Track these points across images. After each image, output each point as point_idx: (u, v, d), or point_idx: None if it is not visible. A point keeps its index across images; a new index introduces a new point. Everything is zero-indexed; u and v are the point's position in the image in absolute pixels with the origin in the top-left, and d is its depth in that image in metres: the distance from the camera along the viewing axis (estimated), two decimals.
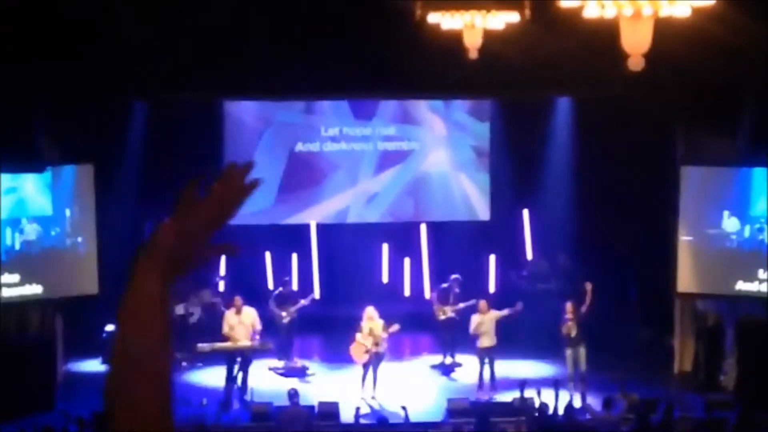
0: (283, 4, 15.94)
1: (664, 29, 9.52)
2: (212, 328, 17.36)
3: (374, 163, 21.32)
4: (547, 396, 15.01)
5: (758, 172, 16.67)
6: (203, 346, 16.73)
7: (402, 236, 20.89)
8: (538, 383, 15.84)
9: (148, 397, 1.86)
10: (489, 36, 13.12)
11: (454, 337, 18.05)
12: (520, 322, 17.36)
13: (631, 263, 19.42)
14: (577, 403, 15.94)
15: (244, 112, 21.01)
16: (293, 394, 14.96)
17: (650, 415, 13.98)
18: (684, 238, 17.24)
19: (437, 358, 18.36)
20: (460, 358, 18.04)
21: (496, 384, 16.68)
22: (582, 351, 16.56)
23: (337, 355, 17.73)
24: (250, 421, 15.28)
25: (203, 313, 18.77)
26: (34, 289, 16.74)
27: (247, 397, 16.30)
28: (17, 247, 16.55)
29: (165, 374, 1.89)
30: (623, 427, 14.21)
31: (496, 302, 17.45)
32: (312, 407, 15.19)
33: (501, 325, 16.86)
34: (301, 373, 17.79)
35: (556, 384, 15.20)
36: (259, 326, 16.84)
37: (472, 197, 21.44)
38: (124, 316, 1.92)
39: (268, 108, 21.01)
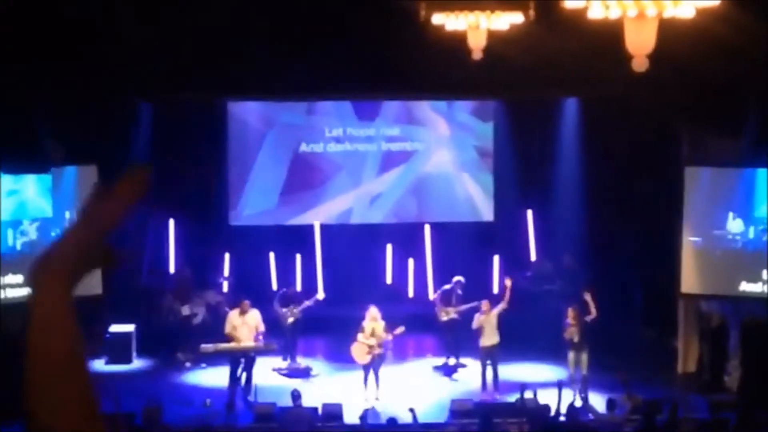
0: (286, 4, 15.94)
1: (668, 30, 9.51)
2: (216, 328, 17.35)
3: (377, 163, 21.32)
4: (550, 397, 14.99)
5: (762, 173, 16.65)
6: (207, 347, 16.72)
7: (406, 237, 20.88)
8: (541, 385, 15.84)
9: (70, 409, 1.83)
10: (493, 37, 13.12)
11: (456, 338, 18.04)
12: (523, 322, 17.35)
13: (635, 264, 19.41)
14: (578, 404, 15.94)
15: (247, 114, 21.02)
16: (297, 395, 14.94)
17: (655, 416, 13.96)
18: (690, 239, 17.22)
19: (441, 360, 18.35)
20: (463, 359, 18.02)
21: (499, 384, 16.65)
22: (584, 355, 16.52)
23: (340, 356, 17.72)
24: (253, 421, 15.27)
25: (207, 314, 18.77)
26: None
27: (251, 398, 16.30)
28: (19, 247, 16.57)
29: (84, 380, 1.87)
30: (627, 428, 14.19)
31: (498, 303, 17.40)
32: (315, 408, 15.18)
33: (505, 326, 16.82)
34: (304, 373, 17.78)
35: (559, 385, 15.18)
36: (262, 328, 16.83)
37: (475, 198, 21.44)
38: (32, 329, 1.90)
39: (271, 109, 21.02)
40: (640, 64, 9.06)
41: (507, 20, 12.91)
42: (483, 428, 13.87)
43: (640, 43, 8.99)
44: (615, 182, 19.45)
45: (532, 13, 12.95)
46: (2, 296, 16.48)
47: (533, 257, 20.68)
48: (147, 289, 19.49)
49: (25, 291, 16.66)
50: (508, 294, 16.94)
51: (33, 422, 1.87)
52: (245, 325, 16.71)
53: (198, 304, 18.79)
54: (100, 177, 17.25)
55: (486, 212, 21.47)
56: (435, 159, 21.33)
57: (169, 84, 17.11)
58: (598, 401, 15.68)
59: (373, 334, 16.55)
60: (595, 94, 18.04)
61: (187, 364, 18.15)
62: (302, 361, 18.18)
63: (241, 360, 16.65)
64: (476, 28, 12.89)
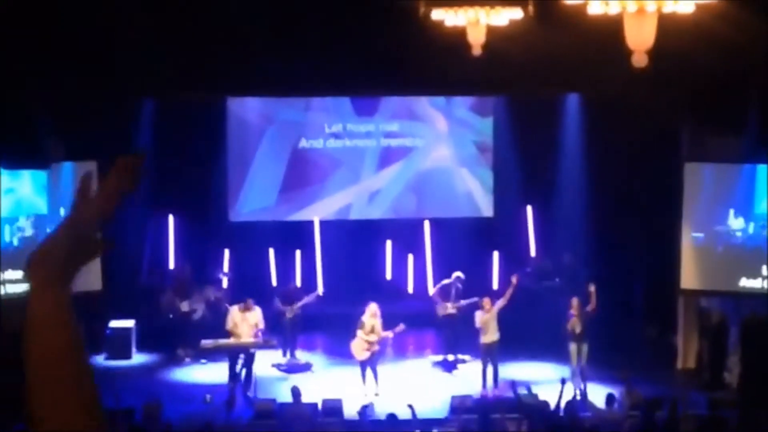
0: (285, 0, 15.92)
1: (668, 26, 9.50)
2: (216, 324, 17.36)
3: (376, 159, 21.32)
4: (550, 393, 15.00)
5: (762, 169, 16.65)
6: (207, 343, 16.73)
7: (405, 233, 20.88)
8: (542, 382, 15.86)
9: (70, 403, 1.83)
10: (493, 33, 13.11)
11: (456, 333, 18.03)
12: (524, 319, 17.34)
13: (635, 260, 19.41)
14: (578, 397, 16.00)
15: (246, 111, 21.02)
16: (296, 391, 14.95)
17: (655, 413, 13.96)
18: (692, 235, 17.21)
19: (440, 356, 18.35)
20: (462, 355, 18.02)
21: (498, 381, 16.66)
22: (585, 347, 16.59)
23: (340, 351, 17.72)
24: (253, 417, 15.27)
25: (207, 310, 18.77)
26: None
27: (251, 394, 16.31)
28: (15, 243, 16.61)
29: (82, 377, 1.85)
30: (626, 425, 14.20)
31: (498, 299, 17.39)
32: (315, 404, 15.19)
33: (505, 323, 16.82)
34: (304, 369, 17.80)
35: (562, 381, 15.22)
36: (262, 325, 16.85)
37: (475, 194, 21.43)
38: (30, 323, 1.91)
39: (270, 106, 21.02)
40: (639, 60, 9.06)
41: (506, 16, 12.90)
42: (482, 424, 13.88)
43: (640, 39, 8.98)
44: (615, 178, 19.44)
45: (531, 9, 12.95)
46: (2, 292, 16.49)
47: (533, 253, 20.68)
48: (147, 285, 19.50)
49: (23, 286, 16.68)
50: (510, 291, 16.93)
51: (34, 417, 1.86)
52: (245, 321, 16.72)
53: (197, 300, 18.79)
54: (100, 173, 17.25)
55: (486, 208, 21.46)
56: (434, 155, 21.33)
57: (170, 80, 17.10)
58: (597, 397, 15.68)
59: (372, 331, 16.56)
60: (595, 90, 18.03)
61: (187, 360, 18.16)
62: (302, 357, 18.19)
63: (241, 356, 16.67)
64: (476, 24, 12.88)
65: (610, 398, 14.73)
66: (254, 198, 21.15)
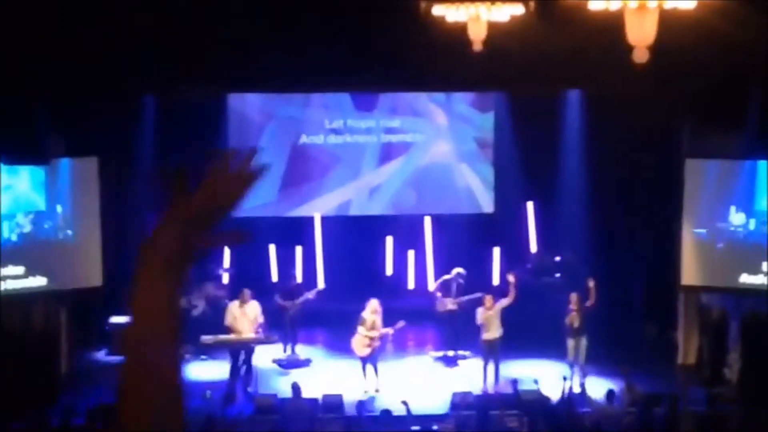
0: None
1: (669, 22, 9.49)
2: (216, 320, 17.36)
3: (377, 155, 21.32)
4: (551, 389, 15.02)
5: (763, 165, 16.65)
6: (207, 339, 16.73)
7: (406, 229, 20.87)
8: (543, 377, 15.87)
9: (157, 397, 1.83)
10: (494, 29, 13.09)
11: (456, 329, 18.03)
12: (524, 315, 17.32)
13: (636, 256, 19.40)
14: (577, 390, 16.04)
15: (246, 107, 21.02)
16: (297, 387, 14.97)
17: (654, 409, 13.97)
18: (695, 231, 17.21)
19: (441, 352, 18.35)
20: (463, 351, 18.01)
21: (500, 378, 16.65)
22: (583, 342, 16.62)
23: (340, 347, 17.73)
24: (254, 413, 15.28)
25: (207, 306, 18.77)
26: (39, 281, 16.79)
27: (251, 390, 16.31)
28: (14, 239, 16.61)
29: (174, 375, 1.86)
30: (625, 420, 14.21)
31: (499, 295, 17.39)
32: (316, 399, 15.20)
33: (505, 320, 16.83)
34: (304, 365, 17.80)
35: (564, 378, 15.29)
36: (261, 319, 16.83)
37: (475, 189, 21.42)
38: (133, 317, 1.91)
39: (270, 102, 21.02)
40: (641, 55, 9.05)
41: (507, 12, 12.89)
42: (482, 420, 13.89)
43: (641, 35, 8.98)
44: (616, 174, 19.44)
45: (532, 4, 12.93)
46: (1, 288, 16.50)
47: (534, 249, 20.66)
48: None
49: (23, 283, 16.69)
50: (513, 290, 16.92)
51: (120, 408, 1.84)
52: (245, 316, 16.72)
53: (198, 297, 18.80)
54: (101, 169, 17.26)
55: (486, 204, 21.45)
56: (434, 150, 21.32)
57: (170, 76, 17.08)
58: (597, 392, 15.70)
59: (373, 327, 16.57)
60: (596, 86, 18.00)
61: (187, 357, 18.14)
62: (302, 352, 18.19)
63: (241, 351, 16.66)
64: (477, 20, 12.87)
65: (610, 394, 14.75)
66: (255, 194, 20.83)
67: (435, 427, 14.01)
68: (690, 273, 17.38)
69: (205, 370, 17.48)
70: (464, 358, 17.98)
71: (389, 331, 16.70)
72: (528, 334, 17.47)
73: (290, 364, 17.80)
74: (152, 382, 1.85)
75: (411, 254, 20.81)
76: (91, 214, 17.18)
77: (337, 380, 16.69)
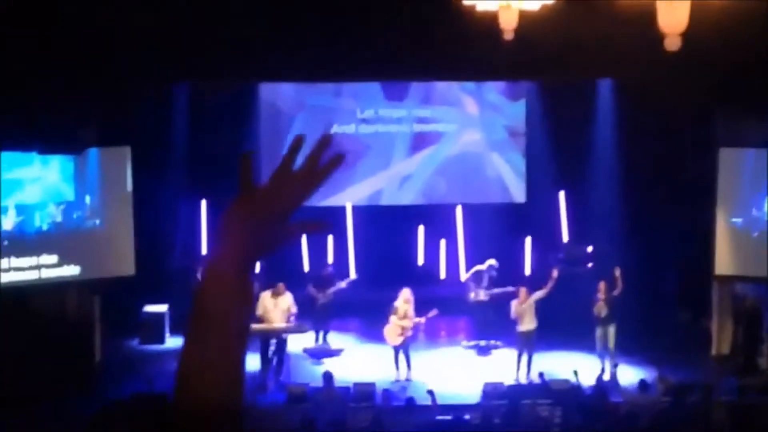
0: None
1: (701, 8, 9.43)
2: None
3: (408, 144, 21.32)
4: (583, 379, 14.97)
5: None
6: None
7: (437, 218, 20.87)
8: (575, 367, 15.85)
9: (219, 392, 1.81)
10: (524, 17, 13.03)
11: (487, 319, 18.03)
12: (556, 305, 17.28)
13: (669, 245, 19.29)
14: (606, 378, 16.03)
15: (278, 96, 21.07)
16: (328, 376, 15.01)
17: (687, 398, 13.91)
18: (732, 220, 17.11)
19: (473, 341, 18.35)
20: (494, 341, 18.00)
21: (531, 369, 16.59)
22: (611, 330, 16.58)
23: (372, 336, 17.77)
24: (286, 402, 15.34)
25: None
26: (72, 270, 16.93)
27: (283, 379, 16.37)
28: (45, 228, 16.77)
29: (238, 371, 1.84)
30: (658, 409, 14.15)
31: (531, 285, 17.36)
32: (347, 388, 15.24)
33: (538, 311, 16.81)
34: (335, 354, 17.84)
35: (602, 370, 15.31)
36: (294, 309, 16.82)
37: (506, 178, 21.37)
38: (202, 305, 1.84)
39: (301, 91, 21.06)
40: (672, 43, 9.00)
41: (538, 1, 12.82)
42: (513, 410, 13.87)
43: (673, 23, 8.92)
44: (648, 163, 19.33)
45: None
46: (38, 276, 16.66)
47: (565, 239, 20.60)
48: (180, 270, 19.57)
49: (62, 271, 16.85)
50: (551, 283, 16.88)
51: (181, 400, 1.83)
52: (277, 307, 16.73)
53: None
54: (134, 159, 17.36)
55: (517, 193, 21.40)
56: (465, 139, 21.29)
57: (203, 65, 17.15)
58: (630, 382, 15.66)
59: (405, 316, 16.59)
60: (628, 75, 17.90)
61: None
62: (334, 342, 18.24)
63: (273, 341, 16.71)
64: (508, 9, 12.81)
65: (642, 384, 14.71)
66: None
67: (466, 417, 14.00)
68: (724, 262, 17.29)
69: None
70: (496, 347, 17.97)
71: (421, 320, 16.72)
72: (560, 324, 17.41)
73: (321, 353, 17.85)
74: (213, 373, 1.81)
75: (443, 244, 20.80)
76: (122, 203, 17.29)
77: (370, 369, 16.73)
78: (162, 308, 18.66)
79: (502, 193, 21.40)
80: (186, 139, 19.72)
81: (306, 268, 19.88)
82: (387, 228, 20.57)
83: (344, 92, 21.16)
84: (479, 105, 21.29)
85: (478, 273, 18.45)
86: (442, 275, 20.80)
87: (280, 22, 15.79)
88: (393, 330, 16.63)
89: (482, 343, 18.14)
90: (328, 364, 16.69)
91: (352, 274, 19.09)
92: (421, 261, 20.91)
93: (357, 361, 17.45)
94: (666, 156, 18.97)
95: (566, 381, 15.09)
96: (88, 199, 17.15)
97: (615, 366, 16.43)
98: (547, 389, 15.04)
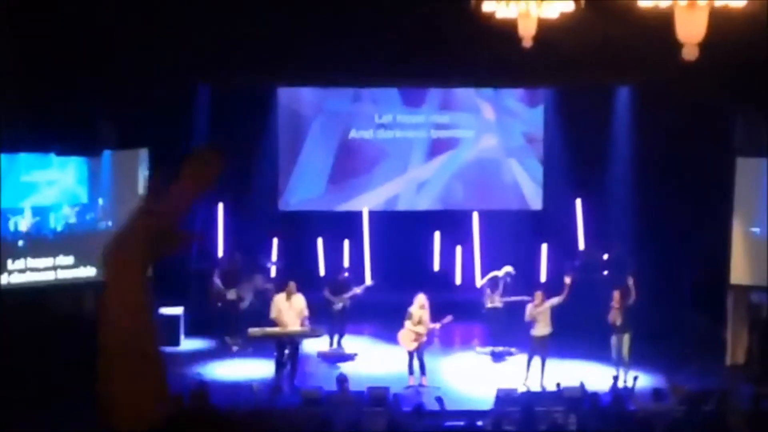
0: None
1: (721, 17, 9.41)
2: (264, 313, 17.45)
3: (424, 150, 21.34)
4: (598, 387, 14.95)
5: None
6: (254, 331, 16.82)
7: (453, 224, 20.87)
8: (590, 375, 15.83)
9: (140, 385, 1.87)
10: (543, 24, 13.04)
11: (502, 326, 18.02)
12: (572, 312, 17.25)
13: (685, 254, 19.25)
14: (620, 385, 16.00)
15: (296, 101, 21.14)
16: (343, 380, 15.02)
17: (702, 406, 13.86)
18: (751, 230, 17.07)
19: (488, 347, 18.34)
20: (510, 347, 17.98)
21: (544, 375, 16.57)
22: (626, 339, 16.53)
23: (387, 341, 17.78)
24: (300, 406, 15.35)
25: (255, 299, 18.88)
26: (89, 272, 17.01)
27: (297, 383, 16.39)
28: (59, 229, 16.89)
29: (154, 362, 1.88)
30: (673, 418, 14.11)
31: (547, 293, 17.32)
32: (362, 392, 15.25)
33: (553, 317, 16.78)
34: (349, 359, 17.86)
35: (615, 377, 15.25)
36: (306, 312, 16.84)
37: (523, 185, 21.36)
38: (107, 305, 1.93)
39: (320, 96, 21.11)
40: (690, 53, 8.99)
41: (557, 8, 12.83)
42: (527, 416, 13.86)
43: (691, 32, 8.91)
44: (665, 171, 19.29)
45: (582, 1, 12.86)
46: (54, 277, 16.75)
47: (582, 246, 20.56)
48: (196, 272, 19.63)
49: (78, 272, 16.94)
50: (566, 290, 16.85)
51: (104, 397, 1.89)
52: (291, 309, 16.76)
53: (246, 289, 18.91)
54: (152, 160, 17.42)
55: (534, 201, 21.39)
56: (482, 145, 21.30)
57: (223, 68, 17.22)
58: (644, 390, 15.62)
59: (420, 322, 16.60)
60: (647, 82, 17.88)
61: (234, 348, 18.27)
62: (348, 346, 18.25)
63: (288, 345, 16.73)
64: (527, 16, 12.82)
65: (657, 392, 14.67)
66: (303, 187, 21.25)
67: (479, 423, 14.01)
68: (740, 271, 17.25)
69: (252, 363, 17.60)
70: (511, 354, 17.95)
71: (436, 326, 16.72)
72: (575, 332, 17.38)
73: (335, 357, 17.86)
74: (136, 369, 1.87)
75: (458, 250, 20.80)
76: (135, 206, 17.33)
77: (384, 374, 16.74)
78: (177, 311, 18.69)
79: (518, 199, 21.39)
80: (205, 141, 19.77)
81: (322, 272, 19.91)
82: (403, 233, 20.58)
83: (363, 97, 21.20)
84: (497, 111, 21.30)
85: (494, 279, 18.45)
86: (458, 281, 20.80)
87: (300, 26, 15.85)
88: (407, 335, 16.63)
89: (498, 349, 18.13)
90: (343, 369, 16.71)
91: (368, 280, 19.11)
92: (437, 267, 20.92)
93: (372, 366, 17.46)
94: (684, 164, 18.92)
95: (579, 389, 15.06)
96: (101, 201, 17.25)
97: (635, 378, 16.30)
98: (561, 397, 15.02)
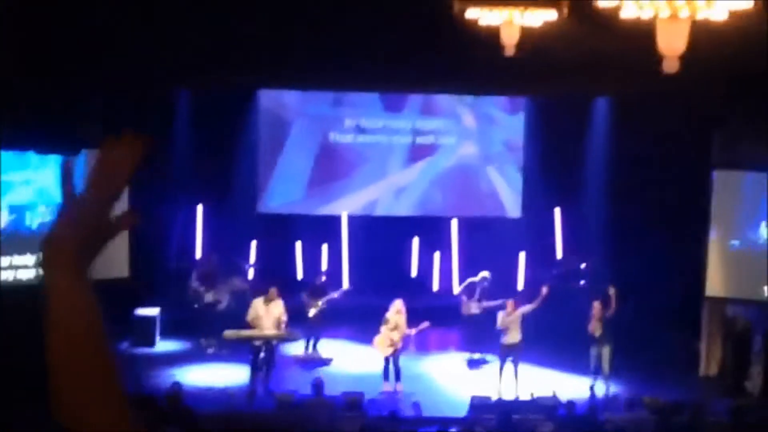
0: None
1: (703, 30, 9.46)
2: (240, 315, 17.39)
3: (404, 155, 21.37)
4: (572, 396, 14.98)
5: None
6: (229, 333, 16.77)
7: (431, 230, 20.91)
8: (565, 384, 15.85)
9: (93, 390, 1.84)
10: (526, 33, 13.09)
11: (478, 333, 18.03)
12: (548, 321, 17.30)
13: (661, 265, 19.32)
14: (599, 394, 16.02)
15: (277, 104, 21.13)
16: (318, 384, 15.01)
17: (675, 418, 13.92)
18: (722, 242, 17.14)
19: (463, 354, 18.36)
20: (485, 355, 18.01)
21: (519, 382, 16.59)
22: (606, 351, 16.54)
23: (363, 346, 17.77)
24: (274, 410, 15.32)
25: (232, 301, 18.84)
26: None
27: (272, 386, 16.35)
28: (34, 227, 16.84)
29: (105, 364, 1.85)
30: (646, 429, 14.16)
31: (523, 300, 17.35)
32: (336, 397, 15.24)
33: (529, 325, 16.78)
34: (325, 364, 17.84)
35: (591, 387, 15.28)
36: (285, 317, 16.79)
37: (502, 193, 21.42)
38: (48, 314, 1.89)
39: (300, 99, 21.11)
40: (671, 65, 9.04)
41: (541, 17, 12.88)
42: (501, 424, 13.87)
43: (672, 45, 8.96)
44: (644, 183, 19.38)
45: (565, 10, 12.91)
46: (26, 277, 16.68)
47: (559, 255, 20.63)
48: (174, 273, 19.59)
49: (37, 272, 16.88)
50: (540, 300, 16.80)
51: (57, 401, 1.87)
52: (269, 314, 16.70)
53: (223, 291, 18.86)
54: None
55: (512, 208, 21.44)
56: (461, 152, 21.35)
57: (204, 71, 17.20)
58: (619, 400, 15.68)
59: (396, 327, 16.60)
60: (626, 93, 17.96)
61: (210, 350, 18.22)
62: (324, 351, 18.23)
63: (263, 348, 16.69)
64: (510, 24, 12.86)
65: (630, 403, 14.72)
66: (283, 190, 21.25)
67: (452, 430, 14.01)
68: (715, 284, 17.32)
69: (227, 365, 17.55)
70: (487, 361, 17.97)
71: (412, 331, 16.72)
72: (550, 340, 17.44)
73: (311, 362, 17.84)
74: (88, 374, 1.84)
75: (437, 256, 20.83)
76: (115, 206, 17.28)
77: (359, 379, 16.73)
78: (153, 311, 18.65)
79: (497, 207, 21.45)
80: (185, 143, 19.76)
81: (300, 275, 19.90)
82: (382, 238, 20.59)
83: (343, 102, 21.21)
84: (477, 118, 21.35)
85: (471, 285, 18.47)
86: (435, 287, 20.83)
87: (282, 29, 15.83)
88: (383, 341, 16.63)
89: (475, 356, 18.15)
90: (318, 373, 16.69)
91: (346, 284, 19.11)
92: (414, 272, 20.94)
93: (347, 371, 17.45)
94: (661, 175, 19.01)
95: (552, 397, 15.10)
96: None
97: (607, 385, 16.37)
98: (535, 404, 15.06)
